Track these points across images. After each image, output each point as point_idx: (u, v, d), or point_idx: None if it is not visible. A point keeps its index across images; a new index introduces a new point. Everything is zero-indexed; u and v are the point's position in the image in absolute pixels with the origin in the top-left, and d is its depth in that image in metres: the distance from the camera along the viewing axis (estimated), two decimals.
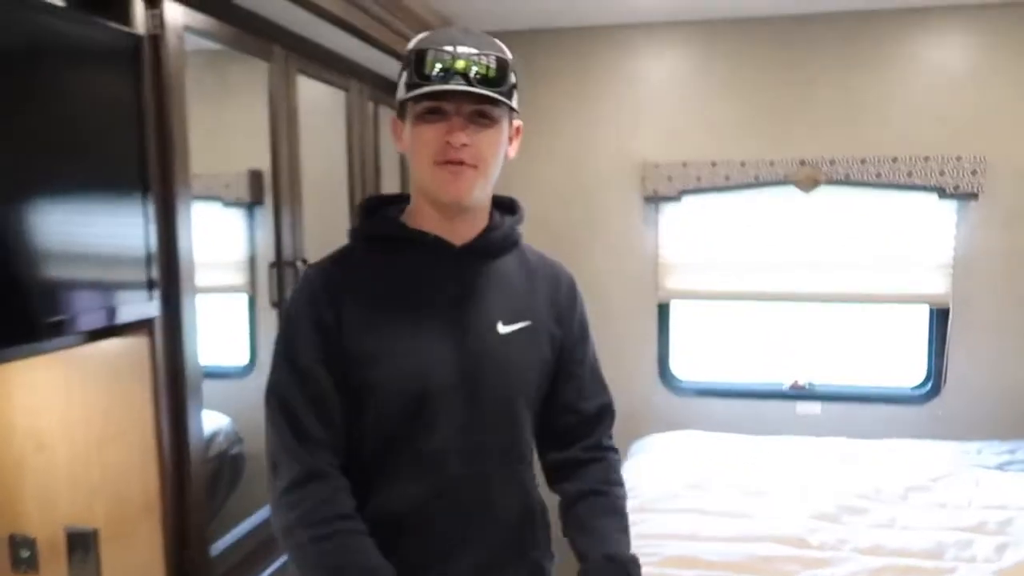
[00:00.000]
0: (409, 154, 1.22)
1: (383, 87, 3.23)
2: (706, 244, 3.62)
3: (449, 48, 1.14)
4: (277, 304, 2.37)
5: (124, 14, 1.74)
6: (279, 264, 2.36)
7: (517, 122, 1.26)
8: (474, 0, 3.20)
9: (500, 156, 1.22)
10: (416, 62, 1.15)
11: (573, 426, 1.34)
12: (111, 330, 1.77)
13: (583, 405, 1.35)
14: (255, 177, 2.45)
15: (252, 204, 2.49)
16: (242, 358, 2.64)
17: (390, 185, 3.23)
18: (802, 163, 3.42)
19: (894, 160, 3.35)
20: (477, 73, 1.14)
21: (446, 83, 1.13)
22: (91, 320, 1.65)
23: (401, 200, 1.32)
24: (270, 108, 2.31)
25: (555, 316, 1.31)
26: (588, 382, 1.36)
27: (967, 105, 3.37)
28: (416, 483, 1.20)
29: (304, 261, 2.46)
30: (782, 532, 2.31)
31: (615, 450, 1.39)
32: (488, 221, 1.29)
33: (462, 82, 1.14)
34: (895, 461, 2.96)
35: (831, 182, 3.42)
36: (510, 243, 1.31)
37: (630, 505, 2.56)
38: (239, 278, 2.60)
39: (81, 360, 1.83)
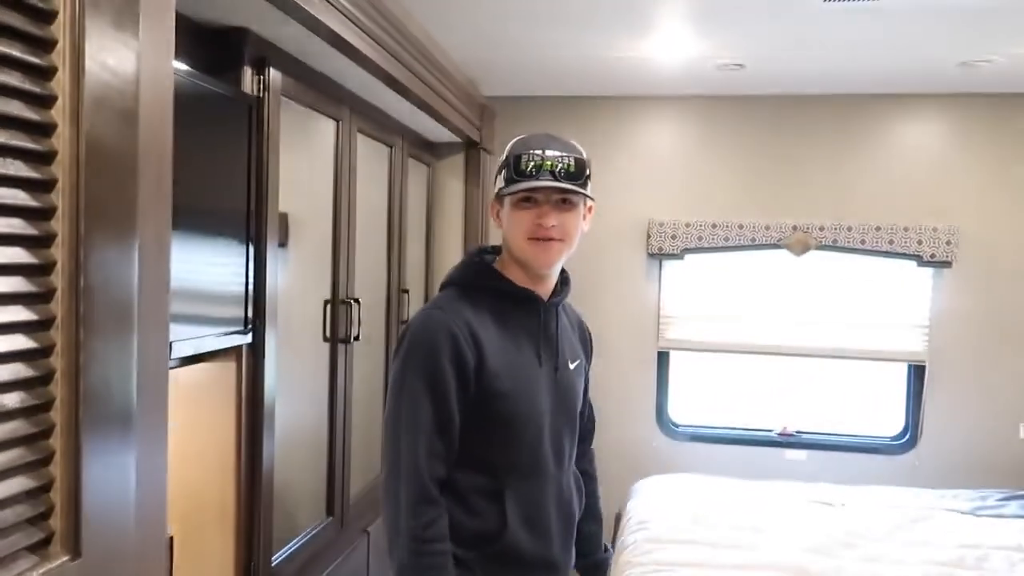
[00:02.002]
0: (506, 231, 1.51)
1: (418, 144, 3.52)
2: (705, 299, 3.91)
3: (539, 151, 1.45)
4: (330, 339, 2.58)
5: (236, 78, 2.00)
6: (334, 302, 2.58)
7: (591, 203, 1.55)
8: (498, 70, 3.51)
9: (579, 230, 1.52)
10: (514, 163, 1.45)
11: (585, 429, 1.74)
12: (203, 355, 1.98)
13: (586, 417, 1.75)
14: (283, 220, 2.68)
15: (280, 245, 2.72)
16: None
17: (415, 229, 3.49)
18: (794, 228, 3.75)
19: (877, 229, 3.69)
20: (562, 170, 1.44)
21: (538, 178, 1.43)
22: (197, 345, 1.85)
23: (491, 251, 1.60)
24: (335, 161, 2.57)
25: (585, 353, 1.70)
26: (589, 401, 1.77)
27: (942, 181, 3.74)
28: (535, 487, 1.50)
29: (357, 300, 2.69)
30: (784, 562, 2.55)
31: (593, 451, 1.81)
32: (557, 281, 1.58)
33: (550, 178, 1.43)
34: (878, 504, 3.23)
35: (820, 247, 3.74)
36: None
37: (642, 536, 2.81)
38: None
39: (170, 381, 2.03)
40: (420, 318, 1.48)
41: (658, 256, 3.89)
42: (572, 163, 1.46)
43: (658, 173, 3.94)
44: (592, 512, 1.74)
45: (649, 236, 3.87)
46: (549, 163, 1.44)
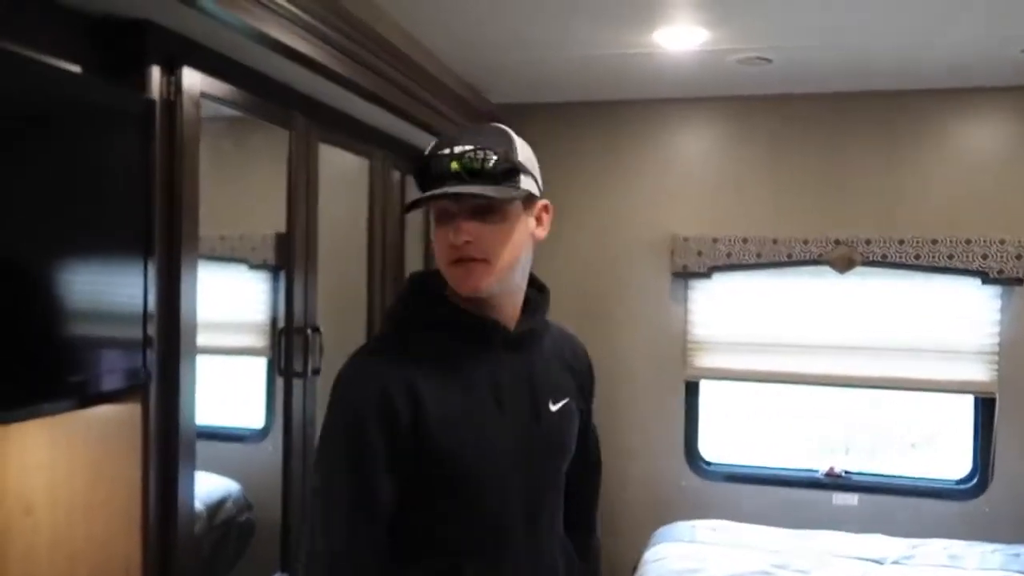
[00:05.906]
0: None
1: (410, 156, 3.25)
2: (737, 323, 3.51)
3: (446, 151, 1.15)
4: (284, 371, 2.32)
5: (141, 80, 1.76)
6: (288, 331, 2.33)
7: (543, 202, 1.24)
8: (505, 73, 3.22)
9: (514, 245, 1.19)
10: (421, 172, 1.18)
11: (578, 474, 1.41)
12: (103, 396, 1.74)
13: (588, 457, 1.46)
14: (282, 240, 2.44)
15: (278, 267, 2.48)
16: (257, 421, 2.60)
17: (413, 253, 3.21)
18: (837, 242, 3.33)
19: (934, 242, 3.24)
20: (467, 169, 1.14)
21: (442, 186, 1.14)
22: (93, 384, 1.62)
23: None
24: (288, 174, 2.32)
25: (579, 389, 1.37)
26: (592, 442, 1.47)
27: (1011, 187, 3.26)
28: (503, 565, 1.22)
29: (316, 329, 2.42)
30: None
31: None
32: (524, 302, 1.29)
33: (455, 183, 1.13)
34: (940, 561, 2.78)
35: (867, 263, 3.31)
36: (545, 324, 1.34)
37: None
38: (259, 341, 2.59)
39: (71, 424, 1.80)
40: (349, 369, 1.21)
41: (683, 275, 3.51)
42: (486, 157, 1.14)
43: (682, 183, 3.58)
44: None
45: (673, 253, 3.51)
46: (455, 164, 1.14)
